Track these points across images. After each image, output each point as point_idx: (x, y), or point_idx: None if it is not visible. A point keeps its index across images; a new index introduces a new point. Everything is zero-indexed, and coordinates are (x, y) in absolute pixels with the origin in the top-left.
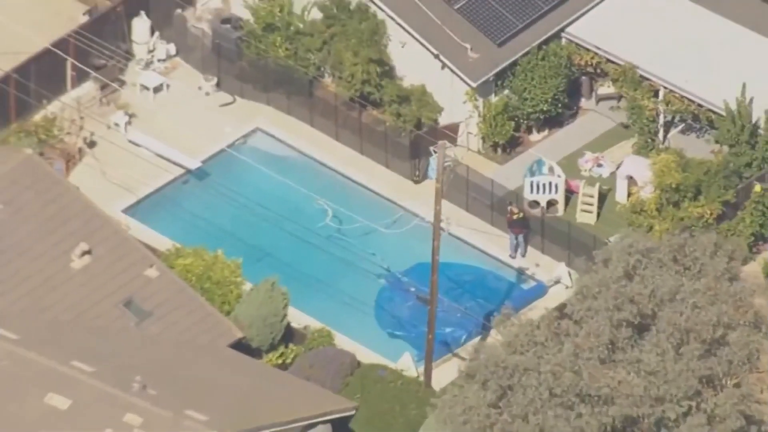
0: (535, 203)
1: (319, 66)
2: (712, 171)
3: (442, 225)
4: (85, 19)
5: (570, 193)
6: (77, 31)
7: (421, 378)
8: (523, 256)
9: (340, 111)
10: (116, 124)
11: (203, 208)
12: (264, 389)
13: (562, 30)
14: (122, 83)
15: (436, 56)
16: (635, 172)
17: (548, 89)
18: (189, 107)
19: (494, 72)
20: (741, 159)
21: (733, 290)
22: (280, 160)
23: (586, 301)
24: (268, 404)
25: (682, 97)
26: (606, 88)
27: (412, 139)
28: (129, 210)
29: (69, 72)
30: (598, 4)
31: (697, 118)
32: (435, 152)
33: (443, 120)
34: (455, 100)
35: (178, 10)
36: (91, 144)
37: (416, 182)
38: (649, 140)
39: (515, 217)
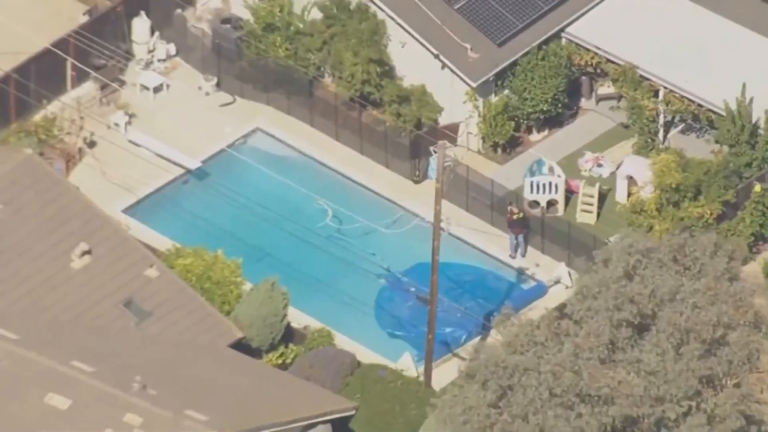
0: (535, 203)
1: (319, 66)
2: (712, 171)
3: (442, 225)
4: (85, 19)
5: (570, 193)
6: (77, 31)
7: (421, 378)
8: (523, 256)
9: (340, 111)
10: (116, 124)
11: (203, 208)
12: (264, 389)
13: (562, 30)
14: (122, 83)
15: (436, 56)
16: (635, 172)
17: (548, 89)
18: (189, 107)
19: (494, 72)
20: (741, 159)
21: (733, 290)
22: (280, 160)
23: (586, 301)
24: (268, 404)
25: (682, 97)
26: (606, 88)
27: (412, 139)
28: (129, 210)
29: (69, 72)
30: (598, 4)
31: (697, 118)
32: (435, 152)
33: (443, 120)
34: (455, 100)
35: (178, 10)
36: (91, 144)
37: (416, 182)
38: (649, 140)
39: (515, 217)
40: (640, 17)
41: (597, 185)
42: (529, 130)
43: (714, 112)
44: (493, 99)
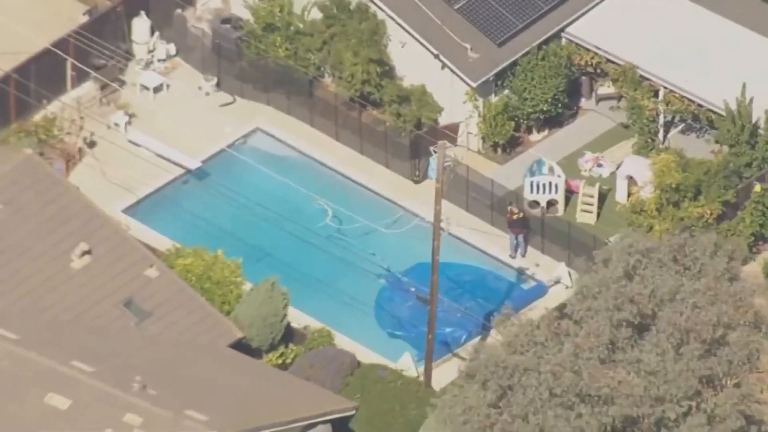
0: (535, 203)
1: (319, 66)
2: (712, 171)
3: (442, 225)
4: (85, 19)
5: (570, 193)
6: (77, 31)
7: (421, 378)
8: (523, 256)
9: (340, 111)
10: (116, 124)
11: (203, 208)
12: (264, 389)
13: (562, 30)
14: (122, 83)
15: (436, 56)
16: (635, 172)
17: (548, 89)
18: (189, 107)
19: (494, 72)
20: (741, 159)
21: (733, 290)
22: (280, 160)
23: (586, 301)
24: (268, 404)
25: (682, 97)
26: (606, 88)
27: (412, 139)
28: (129, 210)
29: (69, 72)
30: (598, 4)
31: (697, 118)
32: (435, 152)
33: (443, 120)
34: (455, 100)
35: (178, 10)
36: (91, 144)
37: (416, 182)
38: (649, 140)
39: (515, 217)
40: (640, 17)
41: (597, 185)
42: (529, 130)
43: (714, 112)
44: (493, 99)
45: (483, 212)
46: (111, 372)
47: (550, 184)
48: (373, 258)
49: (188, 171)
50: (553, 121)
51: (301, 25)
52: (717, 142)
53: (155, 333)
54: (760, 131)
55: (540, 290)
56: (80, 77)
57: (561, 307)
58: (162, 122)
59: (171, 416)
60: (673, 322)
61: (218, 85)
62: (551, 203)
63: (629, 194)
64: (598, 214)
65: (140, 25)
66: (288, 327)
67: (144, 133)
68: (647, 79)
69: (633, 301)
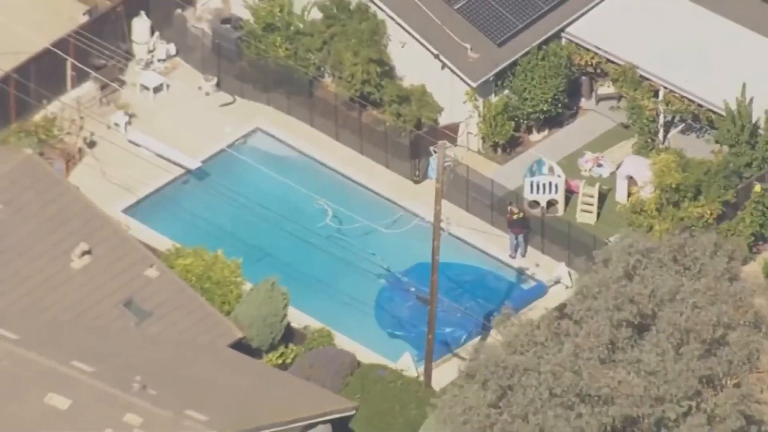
0: (535, 203)
1: (319, 66)
2: (712, 171)
3: (442, 225)
4: (85, 19)
5: (570, 193)
6: (77, 31)
7: (421, 378)
8: (523, 256)
9: (340, 111)
10: (116, 124)
11: (203, 208)
12: (264, 389)
13: (562, 30)
14: (122, 83)
15: (436, 56)
16: (635, 172)
17: (548, 89)
18: (189, 107)
19: (494, 72)
20: (741, 159)
21: (733, 290)
22: (280, 160)
23: (586, 301)
24: (268, 404)
25: (682, 97)
26: (606, 88)
27: (412, 139)
28: (129, 210)
29: (69, 72)
30: (598, 4)
31: (697, 118)
32: (435, 152)
33: (443, 120)
34: (455, 100)
35: (178, 10)
36: (91, 144)
37: (416, 182)
38: (649, 140)
39: (515, 217)
40: (640, 17)
41: (597, 185)
42: (529, 130)
43: (714, 112)
44: (493, 99)
45: (483, 212)
46: (111, 372)
47: (550, 184)
48: (373, 258)
49: (188, 171)
50: (553, 121)
51: (301, 25)
52: (717, 142)
53: (155, 333)
54: (760, 131)
55: (540, 290)
56: (80, 77)
57: (561, 307)
58: (162, 122)
59: (171, 416)
60: (673, 322)
61: (218, 85)
62: (551, 203)
63: (629, 194)
64: (598, 214)
65: (140, 25)
66: (288, 327)
67: (144, 133)
68: (647, 79)
69: (633, 301)
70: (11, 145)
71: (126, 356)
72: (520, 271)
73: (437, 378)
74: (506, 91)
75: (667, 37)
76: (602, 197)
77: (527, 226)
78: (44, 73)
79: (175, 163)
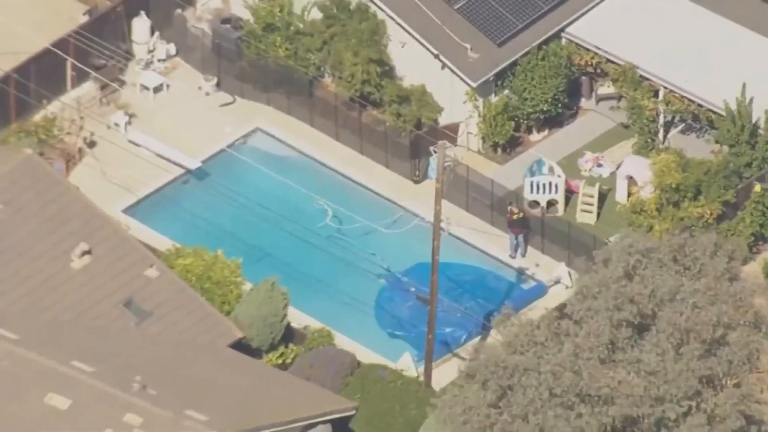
0: (535, 203)
1: (319, 66)
2: (712, 171)
3: (442, 225)
4: (85, 19)
5: (570, 193)
6: (77, 31)
7: (421, 378)
8: (523, 256)
9: (340, 111)
10: (116, 124)
11: (203, 208)
12: (264, 389)
13: (562, 30)
14: (122, 83)
15: (436, 56)
16: (635, 172)
17: (548, 89)
18: (189, 107)
19: (494, 72)
20: (741, 159)
21: (733, 290)
22: (280, 160)
23: (586, 301)
24: (268, 404)
25: (682, 97)
26: (606, 88)
27: (412, 139)
28: (129, 210)
29: (69, 72)
30: (598, 4)
31: (697, 118)
32: (435, 152)
33: (443, 120)
34: (455, 100)
35: (178, 10)
36: (91, 144)
37: (416, 182)
38: (649, 140)
39: (515, 217)
40: (640, 17)
41: (597, 185)
42: (529, 130)
43: (714, 112)
44: (493, 99)
45: (483, 212)
46: (111, 372)
47: (550, 184)
48: (373, 258)
49: (188, 171)
50: (553, 121)
51: (301, 25)
52: (717, 142)
53: (155, 333)
54: (760, 131)
55: (540, 290)
56: (80, 77)
57: (561, 307)
58: (162, 122)
59: (171, 416)
60: (673, 322)
61: (218, 85)
62: (551, 203)
63: (629, 194)
64: (598, 214)
65: (140, 25)
66: (288, 327)
67: (144, 133)
68: (647, 79)
69: (633, 301)
70: (11, 145)
71: (126, 356)
72: (520, 271)
73: (437, 378)
74: (506, 91)
75: (667, 37)
76: (602, 197)
77: (527, 226)
78: (44, 73)
79: (175, 163)
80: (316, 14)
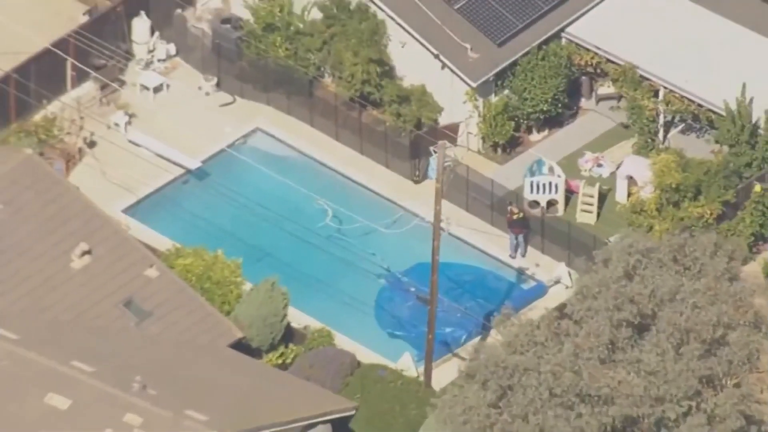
0: (535, 203)
1: (319, 66)
2: (712, 171)
3: (442, 225)
4: (85, 19)
5: (570, 193)
6: (77, 31)
7: (421, 378)
8: (523, 256)
9: (340, 111)
10: (116, 124)
11: (203, 208)
12: (264, 389)
13: (562, 30)
14: (122, 83)
15: (436, 56)
16: (635, 172)
17: (548, 89)
18: (189, 107)
19: (494, 72)
20: (741, 159)
21: (733, 290)
22: (280, 160)
23: (586, 301)
24: (268, 404)
25: (682, 97)
26: (606, 88)
27: (412, 139)
28: (129, 210)
29: (69, 72)
30: (598, 4)
31: (697, 118)
32: (435, 152)
33: (443, 120)
34: (455, 100)
35: (178, 10)
36: (91, 144)
37: (416, 182)
38: (649, 140)
39: (515, 217)
40: (640, 17)
41: (597, 185)
42: (529, 130)
43: (714, 112)
44: (493, 99)
45: (483, 212)
46: (111, 372)
47: (550, 184)
48: (373, 258)
49: (188, 171)
50: (553, 121)
51: (301, 25)
52: (717, 142)
53: (155, 333)
54: (760, 131)
55: (540, 290)
56: (80, 77)
57: (561, 307)
58: (162, 122)
59: (171, 416)
60: (673, 322)
61: (218, 85)
62: (551, 203)
63: (629, 194)
64: (598, 214)
65: (140, 25)
66: (288, 327)
67: (144, 133)
68: (647, 79)
69: (633, 301)
70: (11, 145)
71: (126, 356)
72: (520, 271)
73: (437, 378)
74: (506, 91)
75: (667, 37)
76: (602, 197)
77: (527, 226)
78: (44, 73)
79: (175, 163)
80: (316, 14)
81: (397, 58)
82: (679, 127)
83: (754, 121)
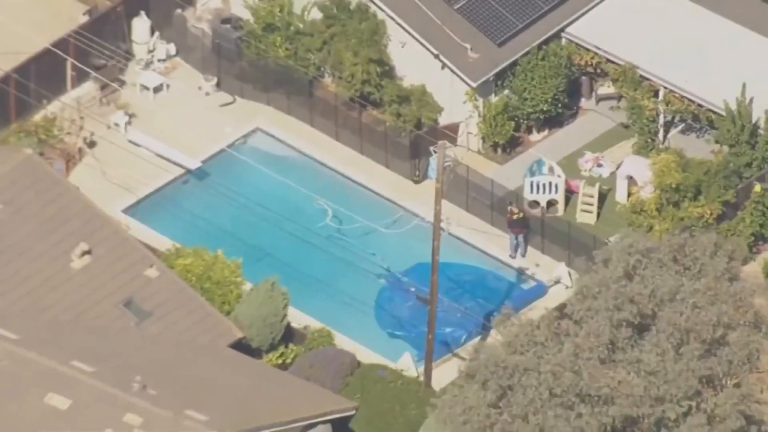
0: (535, 203)
1: (319, 66)
2: (712, 171)
3: (442, 225)
4: (85, 19)
5: (570, 193)
6: (77, 31)
7: (421, 378)
8: (523, 256)
9: (340, 111)
10: (116, 124)
11: (203, 208)
12: (264, 389)
13: (562, 30)
14: (122, 83)
15: (436, 56)
16: (635, 172)
17: (548, 89)
18: (189, 107)
19: (494, 72)
20: (741, 159)
21: (733, 290)
22: (280, 160)
23: (586, 301)
24: (268, 404)
25: (682, 97)
26: (606, 88)
27: (412, 139)
28: (129, 210)
29: (69, 72)
30: (598, 4)
31: (697, 118)
32: (435, 152)
33: (443, 120)
34: (455, 100)
35: (178, 10)
36: (91, 144)
37: (416, 182)
38: (649, 140)
39: (515, 217)
40: (640, 17)
41: (597, 185)
42: (529, 130)
43: (714, 112)
44: (493, 99)
45: (483, 212)
46: (111, 372)
47: (550, 184)
48: (373, 258)
49: (188, 171)
50: (553, 121)
51: (301, 25)
52: (717, 142)
53: (155, 333)
54: (760, 131)
55: (540, 290)
56: (80, 77)
57: (561, 307)
58: (162, 122)
59: (171, 416)
60: (673, 322)
61: (218, 85)
62: (551, 203)
63: (629, 194)
64: (598, 214)
65: (140, 25)
66: (288, 327)
67: (144, 133)
68: (647, 79)
69: (633, 301)
70: (11, 145)
71: (126, 356)
72: (520, 271)
73: (437, 378)
74: (506, 91)
75: (667, 37)
76: (602, 197)
77: (527, 226)
78: (44, 73)
79: (175, 163)
80: (316, 14)
81: (397, 58)
82: (679, 127)
83: (754, 121)
